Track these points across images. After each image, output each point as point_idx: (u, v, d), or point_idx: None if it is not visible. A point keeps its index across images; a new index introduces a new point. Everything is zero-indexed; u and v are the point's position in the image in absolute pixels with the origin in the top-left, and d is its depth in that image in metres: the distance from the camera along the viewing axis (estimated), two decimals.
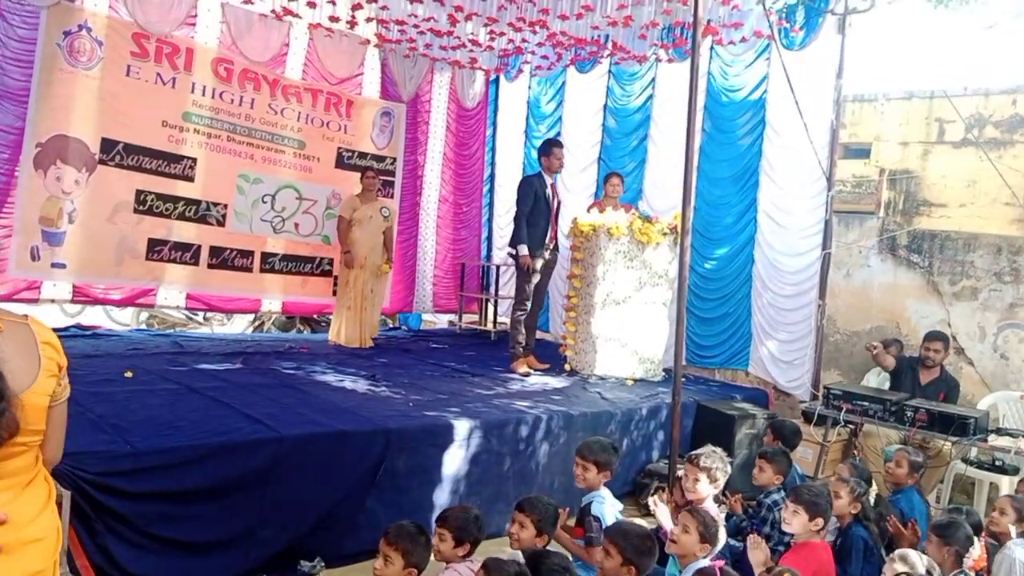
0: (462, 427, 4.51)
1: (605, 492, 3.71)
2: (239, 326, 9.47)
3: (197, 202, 7.34)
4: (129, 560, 3.34)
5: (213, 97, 7.30)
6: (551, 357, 6.92)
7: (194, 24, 7.12)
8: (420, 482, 4.33)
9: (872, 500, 4.09)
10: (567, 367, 6.70)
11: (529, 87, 9.17)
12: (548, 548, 3.13)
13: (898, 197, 7.37)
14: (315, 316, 8.94)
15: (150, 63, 6.89)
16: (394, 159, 8.77)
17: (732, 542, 3.66)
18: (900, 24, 7.84)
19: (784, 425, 4.95)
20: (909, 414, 5.02)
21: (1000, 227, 6.75)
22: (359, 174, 7.79)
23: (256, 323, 9.40)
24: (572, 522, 3.76)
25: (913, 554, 3.06)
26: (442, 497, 4.38)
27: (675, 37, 7.00)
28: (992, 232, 6.69)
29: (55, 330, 1.91)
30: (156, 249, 7.14)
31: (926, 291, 6.85)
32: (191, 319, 9.31)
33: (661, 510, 3.63)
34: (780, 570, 2.77)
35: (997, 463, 5.00)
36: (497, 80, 9.52)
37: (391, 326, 9.36)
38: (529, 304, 6.70)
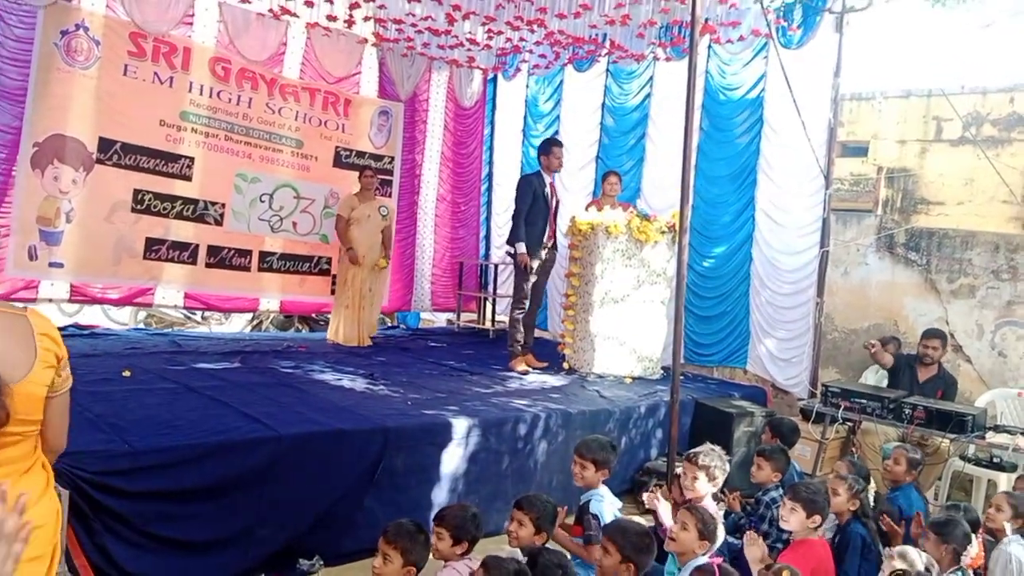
0: (460, 426, 4.52)
1: (604, 490, 3.72)
2: (237, 325, 9.46)
3: (195, 201, 7.33)
4: (127, 559, 3.34)
5: (211, 96, 7.30)
6: (549, 355, 6.93)
7: (191, 23, 7.11)
8: (418, 481, 4.33)
9: (871, 497, 4.10)
10: (565, 365, 6.70)
11: (527, 86, 9.17)
12: (547, 546, 3.13)
13: (896, 195, 7.38)
14: (313, 315, 8.94)
15: (147, 62, 6.88)
16: (392, 158, 8.77)
17: (731, 539, 3.67)
18: (897, 22, 7.84)
19: (782, 423, 4.96)
20: (907, 411, 5.03)
21: (998, 225, 6.75)
22: (357, 173, 7.78)
23: (254, 322, 9.39)
24: (571, 520, 3.76)
25: (912, 551, 3.07)
26: (440, 495, 4.38)
27: (673, 36, 7.00)
28: (990, 230, 6.69)
29: None
30: (154, 248, 7.13)
31: (924, 289, 6.85)
32: (189, 318, 9.30)
33: (663, 506, 3.62)
34: (779, 567, 2.77)
35: (995, 460, 5.00)
36: (495, 79, 9.52)
37: (389, 325, 9.36)
38: (527, 303, 6.71)
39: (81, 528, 3.21)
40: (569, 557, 3.01)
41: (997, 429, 5.05)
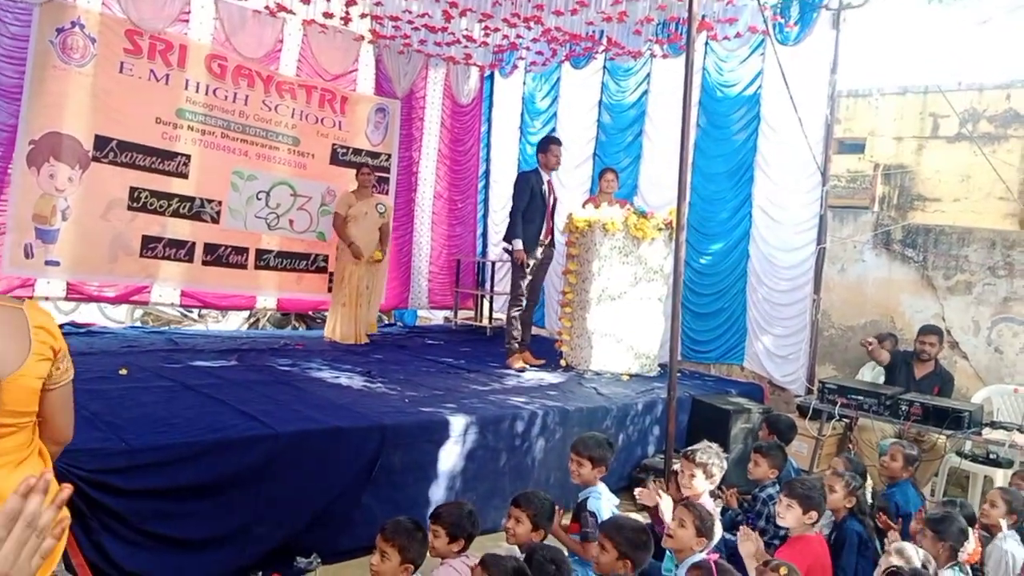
0: (458, 423, 4.52)
1: (602, 487, 3.72)
2: (234, 323, 9.45)
3: (191, 199, 7.31)
4: (124, 557, 3.34)
5: (207, 94, 7.28)
6: (547, 353, 6.93)
7: (187, 20, 7.10)
8: (416, 478, 4.33)
9: (868, 494, 4.11)
10: (563, 363, 6.70)
11: (524, 83, 9.16)
12: (544, 543, 3.13)
13: (892, 192, 7.38)
14: (310, 313, 8.93)
15: (143, 60, 6.87)
16: (389, 155, 8.76)
17: (728, 536, 3.67)
18: (894, 19, 7.85)
19: (779, 419, 4.97)
20: (904, 408, 5.04)
21: (994, 221, 6.76)
22: (354, 171, 7.77)
23: (251, 320, 9.39)
24: (569, 517, 3.77)
25: (909, 547, 3.08)
26: (438, 493, 4.39)
27: (670, 32, 6.99)
28: (986, 226, 6.71)
29: None
30: (150, 246, 7.11)
31: (920, 285, 6.86)
32: (186, 316, 9.29)
33: (665, 501, 3.62)
34: (777, 563, 2.78)
35: (991, 456, 5.01)
36: (492, 76, 9.51)
37: (386, 322, 9.36)
38: (524, 300, 6.71)
39: (78, 526, 3.20)
40: (566, 553, 3.02)
41: (993, 425, 5.06)
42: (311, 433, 4.02)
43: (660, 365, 6.68)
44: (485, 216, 9.78)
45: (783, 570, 2.71)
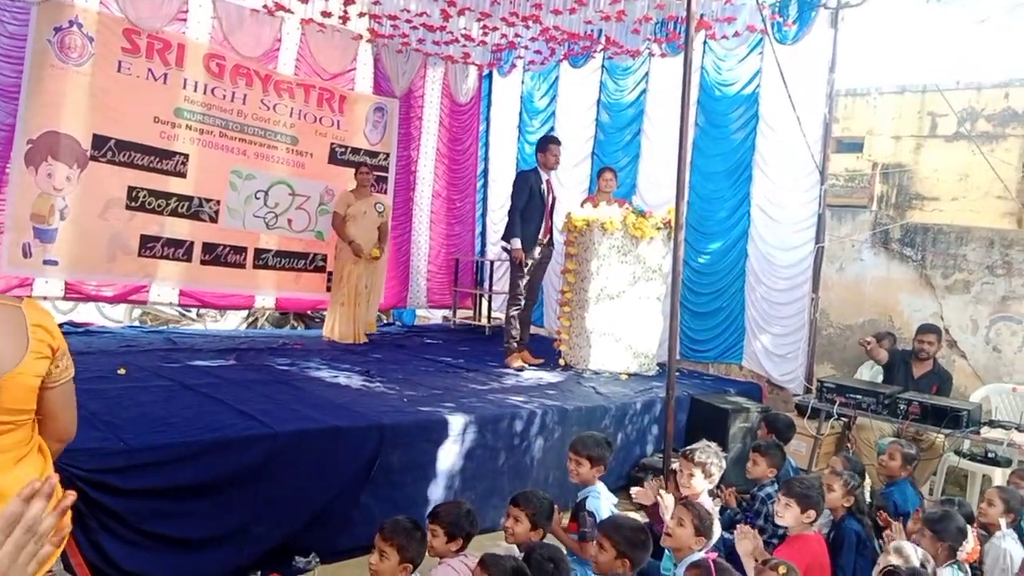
0: (457, 422, 4.51)
1: (600, 487, 3.72)
2: (232, 322, 9.44)
3: (189, 198, 7.31)
4: (123, 557, 3.33)
5: (205, 93, 7.27)
6: (545, 352, 6.93)
7: (185, 20, 7.09)
8: (415, 477, 4.33)
9: (867, 493, 4.11)
10: (561, 362, 6.71)
11: (522, 82, 9.16)
12: (543, 541, 3.13)
13: (891, 191, 7.39)
14: (309, 312, 8.92)
15: (141, 59, 6.86)
16: (387, 155, 8.75)
17: (726, 535, 3.67)
18: (893, 18, 7.84)
19: (778, 418, 4.96)
20: (902, 407, 5.04)
21: (992, 220, 6.77)
22: (352, 170, 7.77)
23: (250, 319, 9.37)
24: (567, 517, 3.77)
25: (908, 546, 3.09)
26: (437, 492, 4.38)
27: (668, 32, 6.99)
28: (984, 225, 6.71)
29: None
30: (148, 245, 7.11)
31: (919, 284, 6.87)
32: (184, 316, 9.28)
33: (668, 499, 3.61)
34: (776, 562, 2.77)
35: (990, 455, 5.02)
36: (490, 75, 9.51)
37: (385, 322, 9.35)
38: (523, 299, 6.71)
39: (77, 526, 3.20)
40: (565, 552, 3.02)
41: (992, 424, 5.06)
42: (310, 432, 4.02)
43: (658, 364, 6.68)
44: (484, 215, 9.78)
45: (782, 569, 2.71)
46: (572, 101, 8.53)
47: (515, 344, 6.71)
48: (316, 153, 8.12)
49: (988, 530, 3.63)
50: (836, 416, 5.50)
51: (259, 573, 3.61)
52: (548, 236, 6.80)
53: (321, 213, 8.12)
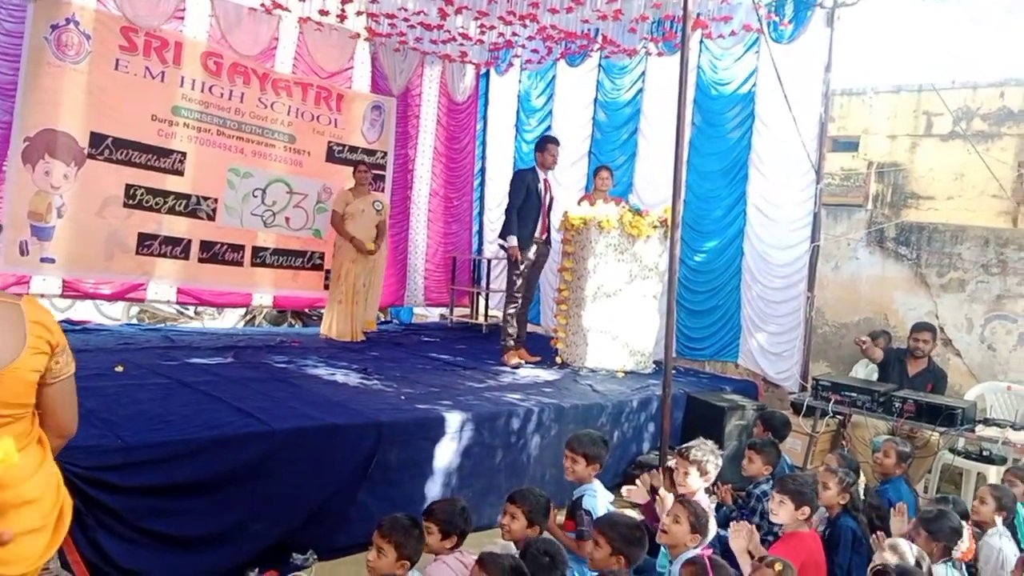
0: (454, 420, 4.52)
1: (597, 485, 3.73)
2: (230, 320, 9.45)
3: (187, 196, 7.31)
4: (120, 555, 3.33)
5: (202, 91, 7.27)
6: (542, 350, 6.95)
7: (183, 18, 7.10)
8: (412, 475, 4.34)
9: (861, 491, 4.12)
10: (558, 360, 6.72)
11: (519, 81, 9.17)
12: (540, 537, 3.14)
13: (886, 190, 7.42)
14: (306, 310, 8.93)
15: (139, 57, 6.86)
16: (385, 153, 8.75)
17: (722, 532, 3.69)
18: (889, 17, 7.88)
19: (773, 416, 4.98)
20: (897, 405, 5.05)
21: (987, 219, 6.81)
22: (350, 168, 7.77)
23: (247, 317, 9.38)
24: (563, 514, 3.78)
25: (903, 543, 3.10)
26: (434, 490, 4.39)
27: (665, 31, 7.01)
28: (979, 224, 6.75)
29: None
30: (146, 243, 7.11)
31: (914, 283, 6.89)
32: (182, 313, 9.29)
33: (668, 498, 3.61)
34: (772, 559, 2.79)
35: (984, 453, 5.04)
36: (487, 74, 9.51)
37: (383, 320, 9.35)
38: (520, 297, 6.72)
39: (74, 524, 3.20)
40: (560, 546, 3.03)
41: (987, 422, 5.06)
42: (307, 430, 4.03)
43: (655, 362, 6.70)
44: (481, 213, 9.78)
45: (778, 566, 2.73)
46: (569, 100, 8.54)
47: (512, 342, 6.72)
48: (314, 151, 8.13)
49: (981, 527, 3.65)
50: (831, 414, 5.51)
51: (257, 570, 3.61)
52: (545, 235, 6.81)
53: (319, 211, 8.12)
